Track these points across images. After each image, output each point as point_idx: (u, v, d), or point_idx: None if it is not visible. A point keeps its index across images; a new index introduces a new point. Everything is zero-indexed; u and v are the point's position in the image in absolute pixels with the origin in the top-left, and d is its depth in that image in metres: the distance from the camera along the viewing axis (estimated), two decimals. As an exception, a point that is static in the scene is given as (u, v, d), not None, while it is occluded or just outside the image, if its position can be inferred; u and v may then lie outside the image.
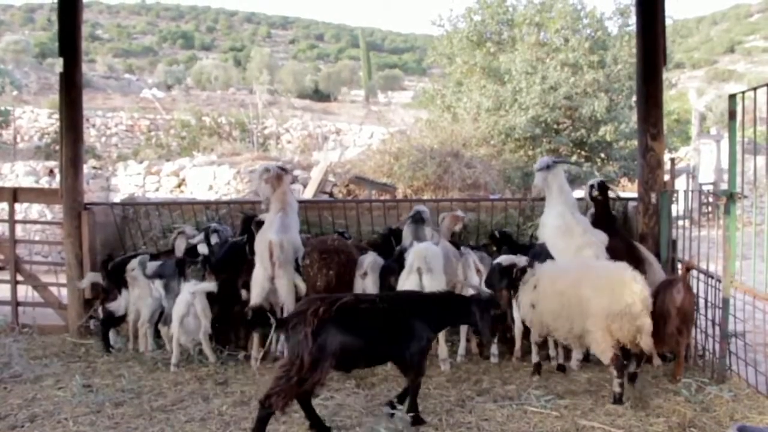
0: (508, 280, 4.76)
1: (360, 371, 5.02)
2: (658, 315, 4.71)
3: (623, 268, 4.44)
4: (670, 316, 4.61)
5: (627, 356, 4.47)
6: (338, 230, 6.42)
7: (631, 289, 4.25)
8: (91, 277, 6.29)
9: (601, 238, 5.19)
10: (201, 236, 6.06)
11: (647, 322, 4.27)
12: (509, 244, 5.99)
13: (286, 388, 3.59)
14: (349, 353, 3.72)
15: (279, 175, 5.61)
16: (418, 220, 5.82)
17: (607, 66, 18.36)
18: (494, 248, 6.05)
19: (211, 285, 5.40)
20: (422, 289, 5.02)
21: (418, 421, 3.93)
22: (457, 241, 6.06)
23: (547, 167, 5.53)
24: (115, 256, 6.20)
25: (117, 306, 5.90)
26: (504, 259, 4.91)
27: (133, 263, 5.74)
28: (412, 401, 3.95)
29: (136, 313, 5.80)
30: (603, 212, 5.68)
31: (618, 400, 4.26)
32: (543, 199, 5.68)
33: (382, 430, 3.78)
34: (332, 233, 6.26)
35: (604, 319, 4.24)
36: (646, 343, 4.28)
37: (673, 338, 4.65)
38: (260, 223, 5.67)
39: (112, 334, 6.03)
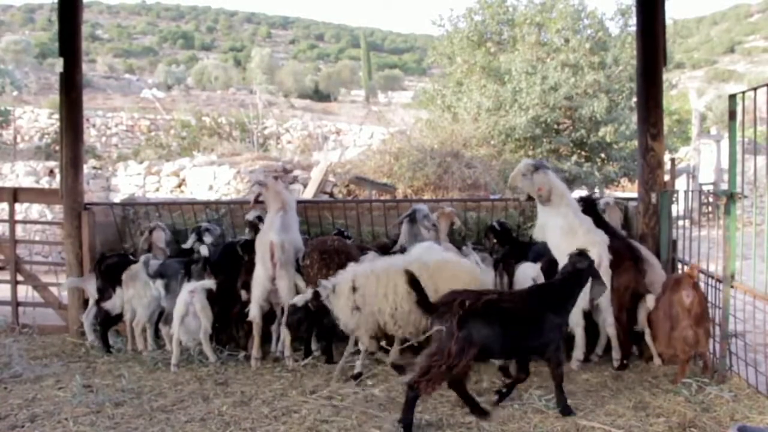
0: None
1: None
2: (665, 317, 4.68)
3: (463, 259, 4.77)
4: (679, 318, 4.59)
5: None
6: (338, 228, 6.43)
7: (488, 278, 4.81)
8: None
9: (604, 238, 5.19)
10: (194, 237, 6.07)
11: None
12: (509, 238, 5.97)
13: (435, 374, 3.76)
14: (490, 345, 3.91)
15: (260, 183, 5.68)
16: (414, 219, 5.83)
17: (607, 67, 18.36)
18: (494, 241, 6.02)
19: (209, 282, 5.40)
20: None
21: (567, 411, 4.05)
22: (456, 239, 6.06)
23: (537, 168, 5.49)
24: (108, 256, 6.19)
25: (112, 305, 5.89)
26: (300, 299, 5.02)
27: (138, 263, 5.74)
28: (558, 393, 4.12)
29: (131, 312, 5.81)
30: (595, 220, 5.63)
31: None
32: (531, 198, 5.61)
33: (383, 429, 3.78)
34: (332, 232, 6.29)
35: None
36: None
37: (680, 342, 4.63)
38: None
39: (111, 335, 6.03)
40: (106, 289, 5.93)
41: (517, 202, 6.67)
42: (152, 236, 6.24)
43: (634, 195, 6.25)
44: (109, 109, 27.81)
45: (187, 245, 6.09)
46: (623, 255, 5.21)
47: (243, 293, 5.53)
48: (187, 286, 5.35)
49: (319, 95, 43.44)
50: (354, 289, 4.63)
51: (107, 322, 5.96)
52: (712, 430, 3.87)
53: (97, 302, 6.01)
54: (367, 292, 4.61)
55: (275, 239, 5.18)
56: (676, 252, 5.60)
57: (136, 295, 5.73)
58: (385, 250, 5.92)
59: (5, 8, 73.12)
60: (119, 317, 5.97)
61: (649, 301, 5.12)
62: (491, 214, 6.68)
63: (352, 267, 4.82)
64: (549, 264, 5.18)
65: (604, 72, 18.16)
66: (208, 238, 5.97)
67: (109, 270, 5.93)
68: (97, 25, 73.23)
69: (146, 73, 48.14)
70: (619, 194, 16.32)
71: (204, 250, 5.79)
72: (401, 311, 4.58)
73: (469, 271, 4.69)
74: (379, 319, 4.64)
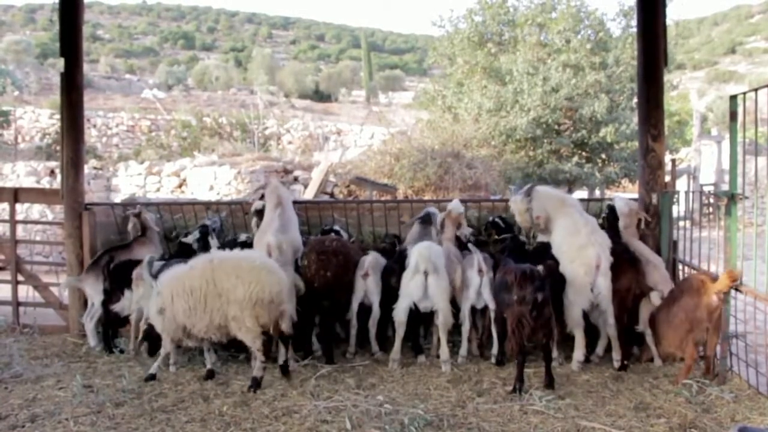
0: None
1: (359, 371, 5.07)
2: (686, 318, 4.64)
3: (261, 257, 4.84)
4: (702, 321, 4.55)
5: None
6: (334, 228, 6.40)
7: (278, 278, 4.68)
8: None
9: (607, 241, 5.19)
10: (196, 235, 6.05)
11: (290, 308, 4.82)
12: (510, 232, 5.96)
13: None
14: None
15: (262, 187, 5.74)
16: (426, 221, 5.82)
17: (608, 67, 18.37)
18: (496, 237, 6.03)
19: None
20: (426, 289, 5.02)
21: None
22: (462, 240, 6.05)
23: (528, 194, 5.53)
24: (115, 257, 6.15)
25: (121, 307, 5.84)
26: None
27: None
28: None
29: (139, 312, 5.76)
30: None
31: (258, 384, 4.64)
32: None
33: (383, 430, 3.78)
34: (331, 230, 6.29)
35: (251, 307, 4.55)
36: (288, 327, 4.79)
37: (692, 345, 4.60)
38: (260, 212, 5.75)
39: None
40: (114, 291, 5.85)
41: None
42: (141, 219, 6.22)
43: (635, 196, 6.25)
44: (109, 110, 27.82)
45: (188, 240, 6.05)
46: (622, 258, 5.21)
47: None
48: None
49: (320, 96, 43.44)
50: (158, 293, 4.82)
51: (115, 324, 5.91)
52: (713, 431, 3.87)
53: (104, 303, 5.92)
54: (165, 295, 4.77)
55: (272, 241, 5.15)
56: (677, 253, 5.60)
57: (145, 294, 5.69)
58: (386, 253, 5.91)
59: (6, 8, 73.29)
60: (126, 319, 5.93)
61: (654, 298, 5.11)
62: (492, 215, 6.68)
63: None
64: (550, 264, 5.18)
65: (605, 72, 18.16)
66: (214, 242, 5.95)
67: (117, 271, 5.90)
68: (98, 26, 73.35)
69: (147, 74, 48.18)
70: (620, 195, 16.30)
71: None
72: (194, 311, 4.68)
73: (252, 268, 4.65)
74: (178, 319, 4.76)
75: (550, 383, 4.62)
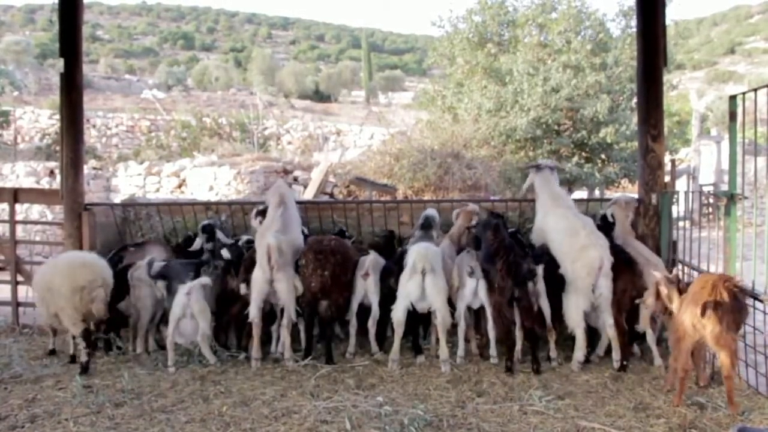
0: None
1: (359, 372, 5.07)
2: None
3: (80, 254, 5.46)
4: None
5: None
6: (339, 228, 6.43)
7: (91, 268, 5.11)
8: None
9: (606, 241, 5.18)
10: (204, 237, 6.03)
11: (101, 293, 5.08)
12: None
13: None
14: None
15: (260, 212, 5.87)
16: (426, 226, 5.83)
17: (608, 68, 18.37)
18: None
19: (204, 279, 5.34)
20: (424, 290, 5.02)
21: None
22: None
23: (537, 168, 5.57)
24: (125, 257, 6.11)
25: (126, 306, 5.83)
26: None
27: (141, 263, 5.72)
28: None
29: (137, 313, 5.76)
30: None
31: (85, 369, 5.05)
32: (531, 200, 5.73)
33: (383, 430, 3.78)
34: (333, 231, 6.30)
35: (70, 296, 5.01)
36: (99, 309, 5.06)
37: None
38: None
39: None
40: (120, 291, 5.81)
41: (517, 203, 6.72)
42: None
43: (635, 196, 6.25)
44: (109, 110, 27.84)
45: (195, 247, 6.04)
46: (618, 259, 5.21)
47: (242, 287, 5.38)
48: (183, 288, 5.27)
49: (320, 96, 43.45)
50: (43, 285, 5.26)
51: (117, 324, 5.90)
52: (713, 431, 3.87)
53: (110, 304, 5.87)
54: (40, 288, 5.26)
55: (272, 242, 5.11)
56: (677, 253, 5.60)
57: (143, 295, 5.68)
58: (379, 248, 5.92)
59: (6, 8, 73.32)
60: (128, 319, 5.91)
61: (647, 298, 5.10)
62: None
63: None
64: (547, 265, 5.19)
65: (605, 73, 18.17)
66: (224, 237, 5.95)
67: (125, 271, 5.86)
68: (97, 26, 73.38)
69: (147, 74, 48.17)
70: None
71: (226, 253, 5.73)
72: (43, 303, 5.23)
73: (68, 263, 5.16)
74: (51, 311, 5.24)
75: (536, 366, 4.98)
